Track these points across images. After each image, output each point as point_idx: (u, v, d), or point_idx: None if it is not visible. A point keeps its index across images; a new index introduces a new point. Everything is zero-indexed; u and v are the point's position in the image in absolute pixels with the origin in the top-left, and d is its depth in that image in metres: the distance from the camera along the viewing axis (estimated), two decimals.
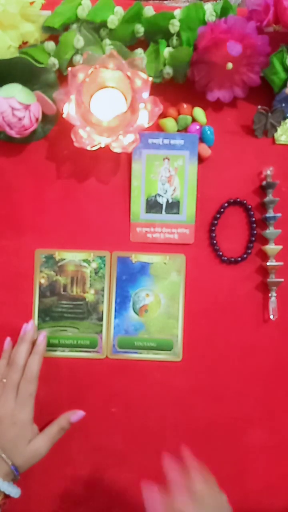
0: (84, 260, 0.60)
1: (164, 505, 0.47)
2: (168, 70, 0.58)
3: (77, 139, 0.55)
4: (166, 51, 0.57)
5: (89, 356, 0.60)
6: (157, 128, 0.61)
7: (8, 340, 0.58)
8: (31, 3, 0.55)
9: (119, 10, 0.56)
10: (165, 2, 0.69)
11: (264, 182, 0.60)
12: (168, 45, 0.57)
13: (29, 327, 0.58)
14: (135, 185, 0.60)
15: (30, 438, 0.54)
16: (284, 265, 0.60)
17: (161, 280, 0.61)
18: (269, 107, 0.59)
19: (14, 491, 0.52)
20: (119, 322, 0.60)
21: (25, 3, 0.54)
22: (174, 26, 0.56)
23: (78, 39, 0.56)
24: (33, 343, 0.58)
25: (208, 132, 0.60)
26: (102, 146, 0.55)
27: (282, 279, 0.60)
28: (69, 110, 0.54)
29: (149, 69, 0.58)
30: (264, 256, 0.61)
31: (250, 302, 0.61)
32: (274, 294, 0.60)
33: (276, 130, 0.61)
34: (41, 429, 0.56)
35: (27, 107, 0.54)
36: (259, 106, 0.59)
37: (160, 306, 0.61)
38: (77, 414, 0.57)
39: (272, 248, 0.60)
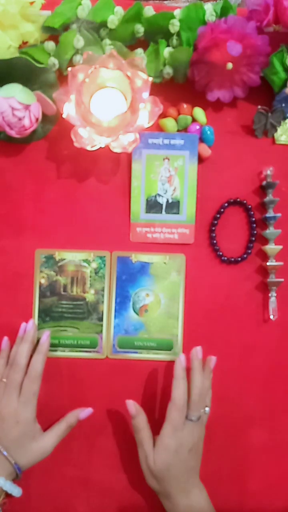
0: (84, 260, 0.60)
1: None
2: (168, 70, 0.58)
3: (77, 139, 0.55)
4: (166, 51, 0.57)
5: (89, 356, 0.60)
6: (157, 128, 0.61)
7: (5, 340, 0.58)
8: (31, 3, 0.55)
9: (119, 10, 0.56)
10: (165, 2, 0.69)
11: (264, 182, 0.60)
12: (168, 45, 0.57)
13: (30, 326, 0.58)
14: (135, 185, 0.60)
15: (33, 437, 0.54)
16: (284, 265, 0.60)
17: (161, 280, 0.61)
18: (269, 107, 0.59)
19: (16, 491, 0.52)
20: (119, 322, 0.60)
21: (25, 3, 0.54)
22: (174, 26, 0.56)
23: (78, 39, 0.56)
24: (34, 342, 0.58)
25: (208, 132, 0.60)
26: (102, 146, 0.55)
27: (282, 279, 0.60)
28: (69, 110, 0.54)
29: (149, 69, 0.58)
30: (264, 256, 0.61)
31: (250, 302, 0.61)
32: (274, 294, 0.60)
33: (276, 130, 0.61)
34: (41, 428, 0.56)
35: (27, 107, 0.54)
36: (259, 106, 0.59)
37: (160, 306, 0.61)
38: (85, 411, 0.57)
39: (272, 248, 0.60)
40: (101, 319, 0.60)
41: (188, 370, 0.56)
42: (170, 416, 0.53)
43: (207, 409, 0.56)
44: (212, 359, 0.58)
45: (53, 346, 0.60)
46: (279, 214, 0.60)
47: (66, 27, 0.57)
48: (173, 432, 0.53)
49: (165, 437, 0.53)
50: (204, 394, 0.55)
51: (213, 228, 0.61)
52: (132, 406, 0.56)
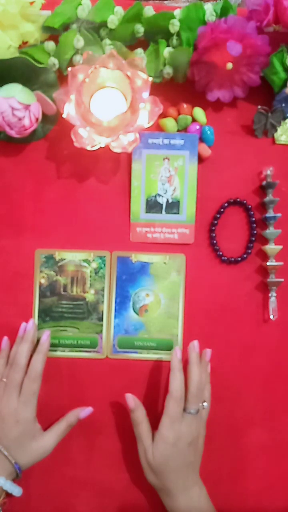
0: (84, 260, 0.60)
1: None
2: (168, 70, 0.58)
3: (77, 139, 0.55)
4: (166, 51, 0.57)
5: (89, 356, 0.60)
6: (157, 128, 0.61)
7: (5, 339, 0.58)
8: (31, 3, 0.55)
9: (119, 10, 0.56)
10: (165, 2, 0.69)
11: (264, 182, 0.60)
12: (168, 45, 0.57)
13: (30, 326, 0.58)
14: (135, 185, 0.60)
15: (33, 436, 0.54)
16: (284, 265, 0.60)
17: (161, 280, 0.61)
18: (269, 107, 0.59)
19: (16, 490, 0.52)
20: (119, 322, 0.60)
21: (25, 3, 0.54)
22: (174, 26, 0.56)
23: (78, 39, 0.56)
24: (34, 342, 0.58)
25: (208, 132, 0.60)
26: (102, 146, 0.55)
27: (282, 279, 0.60)
28: (69, 110, 0.54)
29: (149, 69, 0.58)
30: (264, 256, 0.61)
31: (250, 302, 0.61)
32: (274, 294, 0.60)
33: (276, 130, 0.61)
34: (41, 428, 0.56)
35: (27, 107, 0.54)
36: (259, 106, 0.59)
37: (160, 306, 0.61)
38: (85, 411, 0.57)
39: (272, 248, 0.60)
40: (101, 319, 0.60)
41: (186, 364, 0.56)
42: (167, 408, 0.53)
43: (205, 404, 0.56)
44: (207, 352, 0.58)
45: (53, 346, 0.60)
46: (279, 214, 0.60)
47: (66, 27, 0.57)
48: (171, 424, 0.53)
49: (163, 429, 0.53)
50: (202, 387, 0.56)
51: (213, 228, 0.61)
52: (131, 399, 0.56)
